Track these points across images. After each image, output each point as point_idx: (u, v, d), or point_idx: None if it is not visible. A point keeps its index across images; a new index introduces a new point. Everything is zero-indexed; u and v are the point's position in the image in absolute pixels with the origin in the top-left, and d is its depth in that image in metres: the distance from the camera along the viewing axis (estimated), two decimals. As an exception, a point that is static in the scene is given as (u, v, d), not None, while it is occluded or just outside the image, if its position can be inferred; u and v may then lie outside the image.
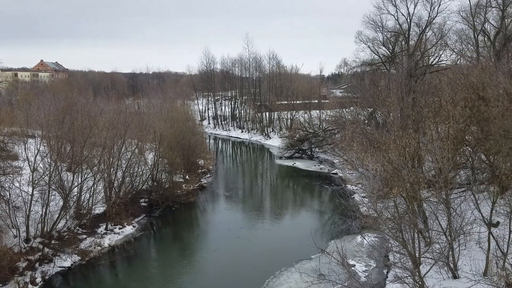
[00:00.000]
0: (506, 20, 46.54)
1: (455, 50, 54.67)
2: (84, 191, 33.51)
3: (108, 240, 31.95)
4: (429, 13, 53.69)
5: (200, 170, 54.22)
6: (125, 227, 34.50)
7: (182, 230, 36.85)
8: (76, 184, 32.19)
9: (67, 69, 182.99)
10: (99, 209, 34.91)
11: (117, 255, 30.68)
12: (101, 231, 33.24)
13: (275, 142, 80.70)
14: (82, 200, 33.60)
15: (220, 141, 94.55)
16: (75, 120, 34.72)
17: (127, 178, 38.64)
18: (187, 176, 48.55)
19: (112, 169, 35.79)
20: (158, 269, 28.80)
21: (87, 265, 28.41)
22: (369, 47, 61.55)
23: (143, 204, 40.03)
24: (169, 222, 38.33)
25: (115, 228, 34.02)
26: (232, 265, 28.59)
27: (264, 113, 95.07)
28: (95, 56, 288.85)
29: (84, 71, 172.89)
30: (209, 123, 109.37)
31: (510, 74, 28.83)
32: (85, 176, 33.18)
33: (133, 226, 35.25)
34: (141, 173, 40.82)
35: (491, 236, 20.68)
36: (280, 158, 67.74)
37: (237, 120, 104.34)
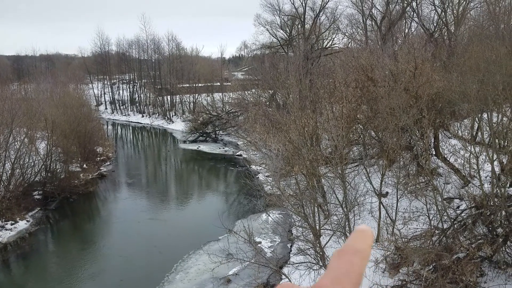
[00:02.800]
0: (390, 5, 50.39)
1: (346, 34, 58.18)
2: (-33, 187, 30.32)
3: (-2, 238, 29.39)
4: (322, -2, 56.28)
5: (98, 158, 51.62)
6: (18, 222, 31.86)
7: (81, 222, 35.01)
8: (-45, 179, 28.99)
9: None
10: (-15, 205, 31.85)
11: (10, 253, 28.33)
12: (-10, 229, 30.45)
13: (178, 126, 79.41)
14: (-36, 196, 30.38)
15: (119, 127, 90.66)
16: (-50, 108, 31.09)
17: (17, 170, 35.58)
18: (84, 165, 45.96)
19: (-2, 161, 32.78)
20: (57, 264, 27.16)
21: (-26, 267, 25.92)
22: (267, 30, 63.07)
23: (37, 196, 37.20)
24: (67, 214, 36.18)
25: (6, 224, 31.28)
26: (137, 253, 27.90)
27: (165, 97, 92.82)
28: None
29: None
30: (106, 108, 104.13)
31: (394, 56, 31.32)
32: (-33, 170, 30.00)
33: (27, 221, 32.70)
34: (32, 164, 37.81)
35: (381, 206, 22.61)
36: (184, 142, 66.99)
37: (137, 104, 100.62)
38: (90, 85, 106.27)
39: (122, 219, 34.55)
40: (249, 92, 60.23)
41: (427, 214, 19.18)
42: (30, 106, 44.32)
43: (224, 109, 71.15)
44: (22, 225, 31.90)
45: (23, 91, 67.07)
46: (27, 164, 37.23)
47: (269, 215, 28.98)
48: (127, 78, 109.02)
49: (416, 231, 20.03)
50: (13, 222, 31.67)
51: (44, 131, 41.41)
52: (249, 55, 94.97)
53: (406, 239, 19.60)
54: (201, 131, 67.52)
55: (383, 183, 23.27)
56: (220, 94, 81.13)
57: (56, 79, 73.06)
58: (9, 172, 34.23)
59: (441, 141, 26.16)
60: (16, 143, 36.28)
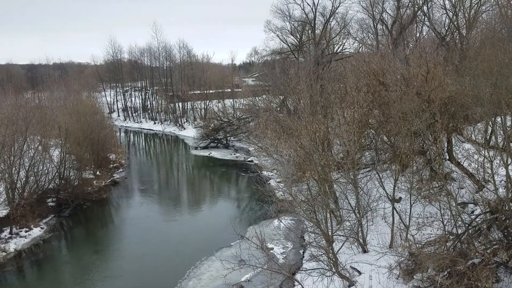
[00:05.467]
0: (401, 10, 50.19)
1: (357, 39, 58.06)
2: (-18, 194, 30.71)
3: (13, 245, 29.68)
4: (333, 3, 56.48)
5: (111, 165, 52.12)
6: (32, 229, 32.23)
7: (95, 229, 35.25)
8: (-28, 187, 29.42)
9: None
10: (1, 212, 32.32)
11: (25, 260, 28.64)
12: (5, 236, 30.77)
13: (189, 132, 79.78)
14: (-20, 204, 30.78)
15: (131, 134, 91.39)
16: (-33, 117, 31.59)
17: (31, 178, 35.98)
18: (97, 172, 46.41)
19: (13, 168, 33.13)
20: (71, 271, 27.37)
21: (-10, 273, 26.21)
22: (278, 36, 63.26)
23: (51, 204, 37.60)
24: (80, 221, 36.48)
25: (21, 231, 31.65)
26: (150, 259, 27.98)
27: (177, 104, 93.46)
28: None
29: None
30: (118, 116, 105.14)
31: (406, 60, 31.13)
32: (-18, 178, 30.42)
33: (41, 228, 33.06)
34: (46, 172, 38.22)
35: (394, 211, 22.40)
36: (196, 148, 67.28)
37: (149, 111, 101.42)
38: (103, 93, 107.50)
39: (135, 226, 34.73)
40: (259, 98, 60.34)
41: (441, 220, 18.94)
42: (44, 114, 44.87)
43: (235, 115, 71.34)
44: (36, 232, 32.24)
45: (37, 99, 68.05)
46: (41, 171, 37.63)
47: (281, 221, 28.87)
48: (139, 85, 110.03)
49: (430, 237, 19.78)
50: (27, 229, 32.04)
51: (58, 139, 41.86)
52: (260, 61, 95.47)
53: (420, 245, 19.36)
54: (212, 137, 67.75)
55: (396, 188, 23.06)
56: (231, 100, 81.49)
57: (70, 87, 73.93)
58: (24, 179, 34.61)
59: (455, 146, 25.86)
60: (31, 150, 36.72)
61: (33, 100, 65.40)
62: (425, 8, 47.51)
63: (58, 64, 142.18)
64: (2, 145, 32.26)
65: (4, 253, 28.35)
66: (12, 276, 26.72)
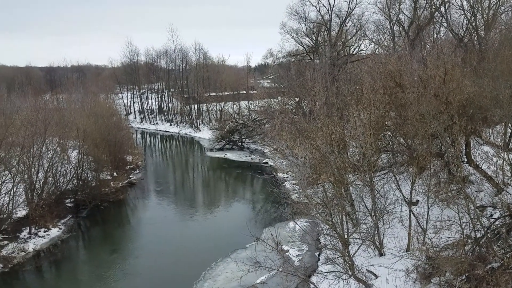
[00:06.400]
0: (418, 11, 49.70)
1: (373, 40, 57.65)
2: (3, 195, 31.14)
3: (32, 245, 30.16)
4: (348, 5, 56.16)
5: (128, 166, 52.60)
6: (50, 229, 32.74)
7: (112, 229, 35.63)
8: (-8, 187, 29.98)
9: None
10: (20, 212, 32.77)
11: (43, 260, 29.10)
12: (24, 236, 31.30)
13: (205, 134, 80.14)
14: (1, 204, 31.26)
15: (148, 136, 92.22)
16: (-13, 119, 32.26)
17: (50, 179, 36.57)
18: (114, 173, 46.93)
19: (33, 169, 33.74)
20: (87, 272, 27.68)
21: (10, 272, 26.66)
22: (293, 38, 63.15)
23: (69, 204, 38.16)
24: (98, 222, 36.93)
25: (39, 231, 32.18)
26: (166, 260, 28.21)
27: (192, 106, 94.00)
28: (7, 49, 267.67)
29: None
30: (135, 117, 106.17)
31: (423, 61, 30.82)
32: (3, 178, 30.92)
33: (59, 228, 33.55)
34: (65, 173, 38.81)
35: (411, 214, 22.18)
36: (211, 150, 67.56)
37: (165, 113, 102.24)
38: (120, 95, 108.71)
39: (151, 226, 35.03)
40: (275, 99, 60.33)
41: (459, 223, 18.69)
42: (62, 116, 45.58)
43: (250, 117, 71.43)
44: (54, 232, 32.73)
45: (55, 101, 69.13)
46: (59, 172, 38.24)
47: (296, 223, 28.83)
48: (156, 87, 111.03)
49: (448, 240, 19.54)
50: (46, 229, 32.55)
51: (76, 140, 42.49)
52: (275, 63, 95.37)
53: (437, 249, 19.13)
54: (227, 139, 67.96)
55: (413, 191, 22.84)
56: (246, 102, 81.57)
57: (87, 89, 74.97)
58: (42, 180, 35.20)
59: (473, 148, 25.51)
60: (49, 152, 37.31)
61: (52, 102, 66.51)
62: (442, 9, 46.99)
63: (76, 67, 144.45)
64: (22, 146, 32.84)
65: (23, 253, 28.83)
66: (31, 275, 27.19)
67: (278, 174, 41.39)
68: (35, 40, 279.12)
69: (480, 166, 24.01)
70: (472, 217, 18.24)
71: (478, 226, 18.04)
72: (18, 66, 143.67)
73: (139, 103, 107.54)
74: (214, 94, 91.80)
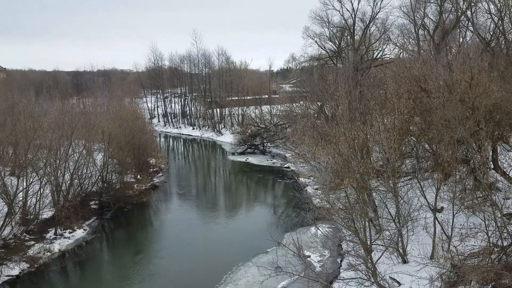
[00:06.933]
0: (443, 15, 48.93)
1: (398, 44, 56.91)
2: (30, 196, 32.01)
3: (58, 245, 30.80)
4: (372, 9, 55.73)
5: (151, 169, 53.30)
6: (75, 231, 33.38)
7: (135, 231, 36.12)
8: (21, 189, 30.73)
9: (5, 68, 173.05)
10: (47, 213, 33.57)
11: (68, 260, 29.67)
12: (50, 236, 32.00)
13: (227, 138, 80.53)
14: (28, 205, 32.09)
15: (171, 139, 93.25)
16: (17, 122, 33.18)
17: (76, 181, 37.34)
18: (138, 176, 47.63)
19: (59, 171, 34.50)
20: (111, 272, 28.13)
21: (36, 272, 27.26)
22: (316, 42, 62.96)
23: (93, 206, 38.87)
24: (121, 224, 37.48)
25: (65, 232, 32.85)
26: (188, 263, 28.42)
27: (215, 110, 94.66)
28: (36, 54, 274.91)
29: (24, 70, 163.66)
30: (159, 121, 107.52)
31: (448, 66, 30.35)
32: (31, 180, 31.74)
33: (84, 230, 34.19)
34: (90, 175, 39.58)
35: (436, 221, 21.80)
36: (233, 154, 67.85)
37: (188, 117, 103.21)
38: (144, 99, 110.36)
39: (174, 229, 35.38)
40: (297, 104, 60.19)
41: (485, 231, 18.29)
42: (88, 119, 46.56)
43: (272, 121, 71.52)
44: (79, 233, 33.37)
45: (81, 105, 70.68)
46: (85, 174, 39.01)
47: (318, 229, 28.64)
48: (179, 91, 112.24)
49: (473, 249, 19.14)
50: (71, 230, 33.21)
51: (101, 143, 43.29)
52: (297, 67, 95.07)
53: (463, 257, 18.76)
54: (249, 143, 68.13)
55: (438, 197, 22.46)
56: (268, 106, 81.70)
57: (112, 93, 76.31)
58: (68, 182, 35.96)
59: (500, 154, 24.96)
60: (75, 154, 38.09)
61: (78, 105, 68.02)
62: (468, 12, 46.12)
63: (102, 71, 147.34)
64: (49, 149, 33.62)
65: (49, 253, 29.47)
66: (56, 275, 27.73)
67: (299, 178, 41.23)
68: (62, 44, 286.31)
69: (507, 173, 23.49)
70: (499, 225, 17.85)
71: (505, 234, 17.62)
72: (46, 71, 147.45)
73: (163, 107, 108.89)
74: (236, 98, 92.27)
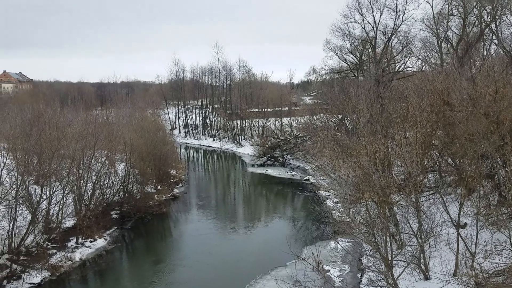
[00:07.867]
0: (467, 28, 48.37)
1: (420, 57, 56.45)
2: (53, 205, 32.55)
3: (79, 254, 31.17)
4: (394, 22, 55.39)
5: (172, 180, 53.68)
6: (96, 240, 33.74)
7: (155, 242, 36.33)
8: (44, 197, 31.30)
9: (32, 79, 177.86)
10: (69, 222, 34.05)
11: (88, 269, 29.97)
12: (72, 245, 32.40)
13: (247, 150, 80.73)
14: (51, 214, 32.64)
15: (191, 150, 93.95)
16: (42, 132, 33.88)
17: (98, 190, 37.84)
18: (159, 187, 48.02)
19: (81, 181, 35.04)
20: (131, 283, 28.26)
21: (57, 281, 27.58)
22: (337, 55, 62.93)
23: (114, 216, 39.28)
24: (141, 234, 37.75)
25: (86, 241, 33.23)
26: (207, 273, 28.37)
27: (235, 121, 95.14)
28: (61, 65, 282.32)
29: (49, 81, 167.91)
30: (180, 132, 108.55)
31: (472, 79, 29.90)
32: (54, 189, 32.30)
33: (105, 239, 34.52)
34: (111, 185, 40.07)
35: (459, 237, 21.30)
36: (252, 166, 67.88)
37: (208, 128, 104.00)
38: (166, 110, 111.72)
39: (193, 240, 35.45)
40: (317, 116, 60.01)
41: (510, 248, 17.79)
42: (111, 130, 47.26)
43: (292, 133, 71.40)
44: (100, 243, 33.69)
45: (105, 116, 71.93)
46: (106, 184, 39.49)
47: (338, 243, 28.33)
48: (200, 103, 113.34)
49: (498, 266, 18.62)
50: (92, 240, 33.56)
51: (123, 154, 43.86)
52: (318, 80, 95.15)
53: (487, 274, 18.24)
54: (269, 155, 68.10)
55: (461, 213, 21.96)
56: (288, 118, 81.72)
57: (135, 105, 77.42)
58: (90, 192, 36.46)
59: (526, 170, 24.30)
60: (98, 164, 38.66)
61: (102, 116, 69.23)
62: (493, 25, 45.50)
63: (125, 83, 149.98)
64: (72, 158, 34.23)
65: (70, 262, 29.81)
66: (77, 284, 28.00)
67: (319, 191, 40.91)
68: (88, 57, 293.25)
69: (534, 189, 22.81)
70: (525, 242, 17.33)
71: (532, 252, 17.09)
72: (71, 82, 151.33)
73: (184, 118, 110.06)
74: (256, 110, 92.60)
